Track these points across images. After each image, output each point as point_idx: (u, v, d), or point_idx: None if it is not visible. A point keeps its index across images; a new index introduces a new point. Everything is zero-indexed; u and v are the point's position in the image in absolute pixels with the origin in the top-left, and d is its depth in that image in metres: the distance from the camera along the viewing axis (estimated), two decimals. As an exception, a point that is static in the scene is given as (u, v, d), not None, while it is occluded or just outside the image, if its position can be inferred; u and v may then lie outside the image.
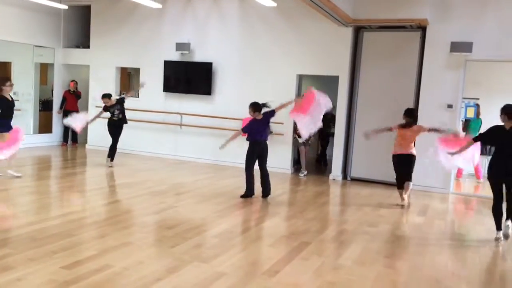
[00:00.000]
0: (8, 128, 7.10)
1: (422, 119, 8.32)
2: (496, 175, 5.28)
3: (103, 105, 8.87)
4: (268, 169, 7.46)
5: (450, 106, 8.13)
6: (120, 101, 8.91)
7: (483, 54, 7.87)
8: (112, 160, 8.95)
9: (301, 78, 9.68)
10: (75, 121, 8.65)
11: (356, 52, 8.93)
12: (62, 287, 3.42)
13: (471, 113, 9.56)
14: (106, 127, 8.99)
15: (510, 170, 5.12)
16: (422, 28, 8.38)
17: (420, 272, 4.31)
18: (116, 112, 8.86)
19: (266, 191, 6.93)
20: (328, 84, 10.49)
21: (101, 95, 8.87)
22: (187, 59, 10.10)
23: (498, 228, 5.32)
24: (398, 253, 4.80)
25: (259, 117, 6.89)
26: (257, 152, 6.88)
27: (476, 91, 9.82)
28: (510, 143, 5.15)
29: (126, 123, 9.05)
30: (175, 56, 10.20)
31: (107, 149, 8.99)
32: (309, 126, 6.75)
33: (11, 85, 7.26)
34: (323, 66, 9.05)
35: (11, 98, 7.32)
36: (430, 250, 4.97)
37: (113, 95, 9.84)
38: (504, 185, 5.25)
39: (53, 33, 11.20)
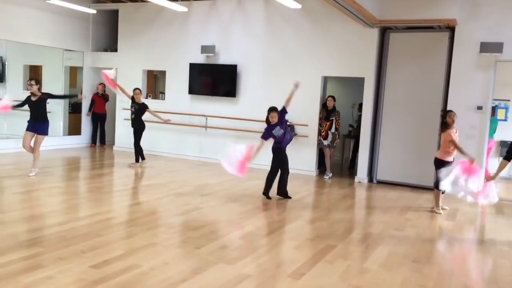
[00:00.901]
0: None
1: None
2: None
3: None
4: (293, 171, 7.45)
5: (480, 108, 7.95)
6: (142, 105, 9.03)
7: (514, 54, 7.67)
8: (137, 161, 9.18)
9: (326, 80, 9.64)
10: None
11: (382, 54, 8.82)
12: (90, 286, 3.49)
13: (502, 115, 9.34)
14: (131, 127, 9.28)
15: None
16: (450, 29, 8.22)
17: (449, 278, 4.23)
18: (133, 110, 9.08)
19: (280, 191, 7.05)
20: (353, 86, 10.42)
21: (135, 88, 9.15)
22: (212, 61, 10.18)
23: None
24: (426, 257, 4.72)
25: (274, 120, 6.82)
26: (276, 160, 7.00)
27: (506, 92, 9.58)
28: None
29: (139, 128, 9.06)
30: (200, 58, 10.29)
31: (131, 151, 9.39)
32: None
33: (29, 85, 7.52)
34: (349, 68, 8.98)
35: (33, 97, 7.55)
36: (459, 255, 4.87)
37: (141, 98, 10.02)
38: None
39: (82, 37, 11.46)
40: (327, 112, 9.16)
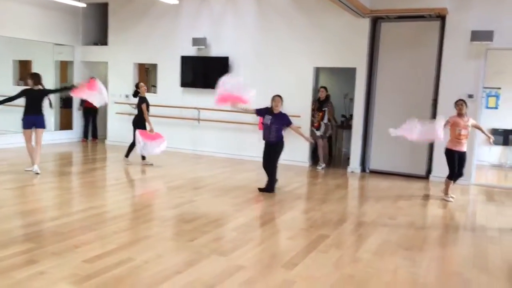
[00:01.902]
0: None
1: (442, 110, 8.22)
2: None
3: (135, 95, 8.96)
4: (285, 162, 7.38)
5: (471, 96, 7.98)
6: (141, 99, 8.76)
7: (504, 42, 7.70)
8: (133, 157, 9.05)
9: (318, 70, 9.63)
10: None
11: (374, 44, 8.82)
12: (84, 280, 3.49)
13: (492, 103, 9.40)
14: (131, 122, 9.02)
15: None
16: (441, 17, 8.23)
17: (440, 264, 4.27)
18: (134, 106, 9.00)
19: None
20: (345, 76, 10.43)
21: (139, 83, 8.93)
22: (203, 54, 10.14)
23: None
24: (418, 245, 4.76)
25: (278, 107, 6.80)
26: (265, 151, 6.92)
27: (497, 80, 9.63)
28: None
29: (136, 123, 8.69)
30: (191, 51, 10.24)
31: (123, 145, 9.20)
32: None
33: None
34: (340, 58, 8.97)
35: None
36: (451, 242, 4.92)
37: (132, 92, 9.92)
38: None
39: (72, 31, 11.36)
40: (320, 103, 9.16)
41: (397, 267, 4.09)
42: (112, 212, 5.52)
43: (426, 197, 7.01)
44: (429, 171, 8.53)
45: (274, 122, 6.73)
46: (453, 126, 6.73)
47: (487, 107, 9.68)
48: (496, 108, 9.94)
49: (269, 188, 6.82)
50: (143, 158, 8.80)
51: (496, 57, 8.42)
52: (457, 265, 4.34)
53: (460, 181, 8.09)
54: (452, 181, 6.89)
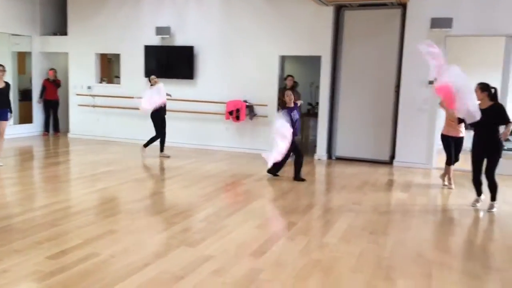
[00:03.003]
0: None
1: (405, 97, 8.41)
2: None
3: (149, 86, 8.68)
4: (252, 151, 7.32)
5: (431, 83, 8.18)
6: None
7: (463, 29, 7.92)
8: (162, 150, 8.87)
9: (284, 59, 9.65)
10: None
11: (338, 32, 8.91)
12: (48, 277, 3.41)
13: (452, 89, 9.63)
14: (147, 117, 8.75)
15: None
16: (402, 5, 8.38)
17: (404, 247, 4.40)
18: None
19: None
20: (311, 64, 10.50)
21: (151, 75, 8.72)
22: (167, 43, 9.98)
23: (479, 194, 5.82)
24: (382, 229, 4.88)
25: (291, 101, 6.97)
26: None
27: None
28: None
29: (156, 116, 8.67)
30: (155, 40, 10.07)
31: (86, 138, 8.95)
32: None
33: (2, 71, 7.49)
34: (305, 47, 9.02)
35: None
36: (414, 225, 5.06)
37: (94, 83, 9.68)
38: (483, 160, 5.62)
39: (29, 21, 10.94)
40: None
41: (363, 251, 4.19)
42: (76, 206, 5.40)
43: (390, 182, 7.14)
44: (393, 156, 8.74)
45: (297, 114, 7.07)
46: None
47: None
48: (455, 93, 10.22)
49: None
50: (162, 149, 8.77)
51: (455, 43, 8.65)
52: (419, 247, 4.47)
53: (422, 165, 8.35)
54: (450, 167, 6.91)
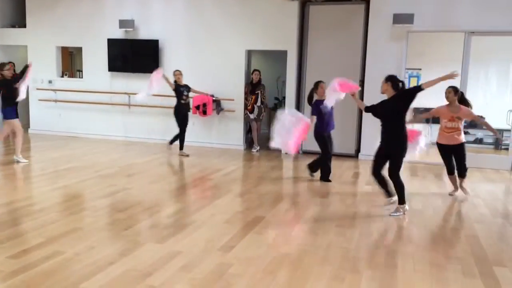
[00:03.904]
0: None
1: (368, 92, 8.56)
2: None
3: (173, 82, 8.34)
4: (220, 145, 7.14)
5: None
6: (188, 86, 8.44)
7: (424, 25, 8.13)
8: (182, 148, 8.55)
9: (250, 53, 9.64)
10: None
11: (304, 26, 8.97)
12: (10, 277, 3.30)
13: (414, 83, 9.92)
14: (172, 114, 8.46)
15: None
16: (366, 1, 8.51)
17: (369, 238, 4.50)
18: (186, 93, 8.35)
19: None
20: (277, 59, 10.53)
21: (175, 70, 8.39)
22: (131, 36, 9.78)
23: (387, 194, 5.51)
24: (349, 221, 4.97)
25: (322, 93, 6.55)
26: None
27: (418, 61, 10.17)
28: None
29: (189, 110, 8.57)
30: (119, 34, 9.84)
31: (48, 133, 8.66)
32: None
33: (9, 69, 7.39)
34: (272, 41, 9.03)
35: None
36: (378, 217, 5.17)
37: (55, 78, 9.36)
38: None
39: (-16, 12, 10.48)
40: (253, 86, 9.20)
41: (330, 243, 4.25)
42: (39, 204, 5.23)
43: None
44: (358, 150, 8.90)
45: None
46: (441, 117, 6.01)
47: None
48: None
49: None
50: (181, 148, 8.46)
51: (416, 39, 8.87)
52: (384, 238, 4.58)
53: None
54: (453, 176, 6.15)
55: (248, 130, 9.74)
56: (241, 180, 7.06)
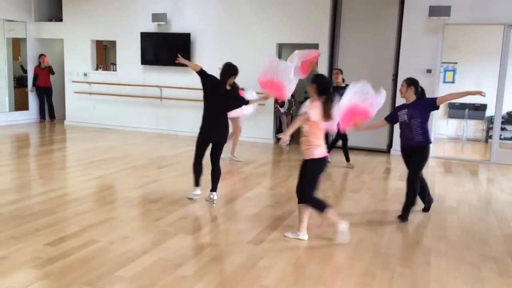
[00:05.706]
0: None
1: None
2: None
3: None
4: (251, 139, 6.97)
5: (429, 71, 8.17)
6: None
7: (461, 17, 7.89)
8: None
9: (281, 47, 9.59)
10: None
11: (336, 19, 8.85)
12: (47, 264, 3.41)
13: (449, 78, 9.66)
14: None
15: None
16: (401, -7, 8.33)
17: (401, 234, 4.42)
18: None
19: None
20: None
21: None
22: (164, 30, 9.89)
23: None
24: (380, 217, 4.90)
25: (411, 95, 4.89)
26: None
27: (454, 55, 9.89)
28: None
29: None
30: (151, 27, 9.97)
31: (83, 125, 8.86)
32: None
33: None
34: (303, 34, 8.96)
35: None
36: (410, 213, 5.07)
37: (90, 71, 9.55)
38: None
39: (23, 6, 10.80)
40: (283, 80, 9.14)
41: (360, 239, 4.20)
42: (74, 194, 5.38)
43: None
44: (390, 145, 8.75)
45: (413, 115, 4.84)
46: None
47: (445, 82, 9.95)
48: (453, 82, 10.24)
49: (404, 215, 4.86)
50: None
51: (453, 32, 8.63)
52: (417, 234, 4.50)
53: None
54: None
55: (279, 125, 9.72)
56: (271, 174, 7.06)
